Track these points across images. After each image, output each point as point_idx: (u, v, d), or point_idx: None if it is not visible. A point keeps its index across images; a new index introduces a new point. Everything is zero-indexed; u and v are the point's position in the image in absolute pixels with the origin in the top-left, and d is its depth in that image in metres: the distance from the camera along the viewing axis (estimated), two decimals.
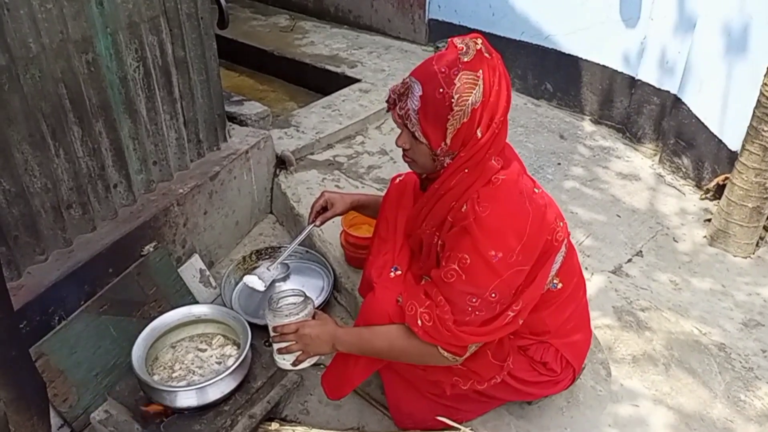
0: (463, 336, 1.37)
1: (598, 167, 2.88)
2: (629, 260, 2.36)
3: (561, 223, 1.48)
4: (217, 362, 1.73)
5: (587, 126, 3.21)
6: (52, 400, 1.69)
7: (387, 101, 1.43)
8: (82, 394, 1.75)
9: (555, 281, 1.53)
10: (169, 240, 2.11)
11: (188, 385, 1.64)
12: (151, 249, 2.01)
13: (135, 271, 1.95)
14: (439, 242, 1.46)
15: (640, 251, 2.41)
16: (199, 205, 2.21)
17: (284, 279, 2.12)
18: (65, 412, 1.71)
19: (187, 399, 1.57)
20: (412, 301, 1.43)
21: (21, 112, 1.62)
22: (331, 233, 2.30)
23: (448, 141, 1.33)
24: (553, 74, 3.30)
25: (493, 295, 1.34)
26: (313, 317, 1.56)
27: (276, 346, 1.54)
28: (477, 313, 1.36)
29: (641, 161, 2.95)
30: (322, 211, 1.82)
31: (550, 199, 1.46)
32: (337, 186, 2.56)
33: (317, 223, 1.81)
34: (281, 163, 2.61)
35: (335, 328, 1.52)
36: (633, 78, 2.97)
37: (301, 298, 1.58)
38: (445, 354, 1.40)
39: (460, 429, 1.62)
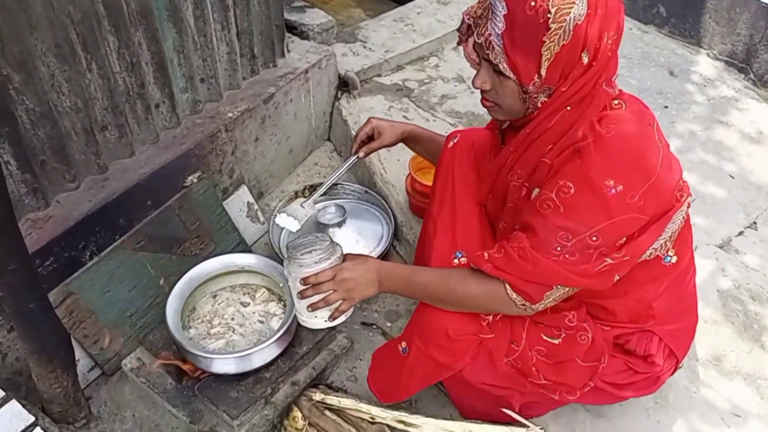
0: (541, 263, 1.07)
1: (713, 114, 2.45)
2: (740, 233, 2.01)
3: (682, 181, 1.18)
4: (259, 320, 1.55)
5: (703, 62, 2.72)
6: (81, 341, 1.55)
7: (458, 30, 1.13)
8: (114, 336, 1.61)
9: (670, 253, 1.23)
10: (215, 169, 1.88)
11: (227, 346, 1.48)
12: (195, 180, 1.79)
13: (176, 204, 1.75)
14: (530, 189, 1.17)
15: (755, 223, 2.05)
16: (250, 131, 1.96)
17: (339, 224, 1.88)
18: (96, 354, 1.58)
19: (225, 365, 1.40)
20: (481, 251, 1.18)
21: (45, 18, 1.36)
22: (395, 174, 2.03)
23: (543, 72, 1.04)
24: None
25: (594, 238, 1.06)
26: (345, 260, 1.31)
27: (305, 302, 1.28)
28: (566, 255, 1.08)
29: (766, 112, 2.49)
30: (368, 140, 1.56)
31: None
32: (405, 117, 2.25)
33: (361, 154, 1.55)
34: (344, 85, 2.31)
35: (379, 263, 1.27)
36: None
37: (327, 242, 1.32)
38: (513, 296, 1.12)
39: (528, 426, 1.41)
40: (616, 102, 1.10)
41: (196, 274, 1.54)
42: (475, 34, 1.07)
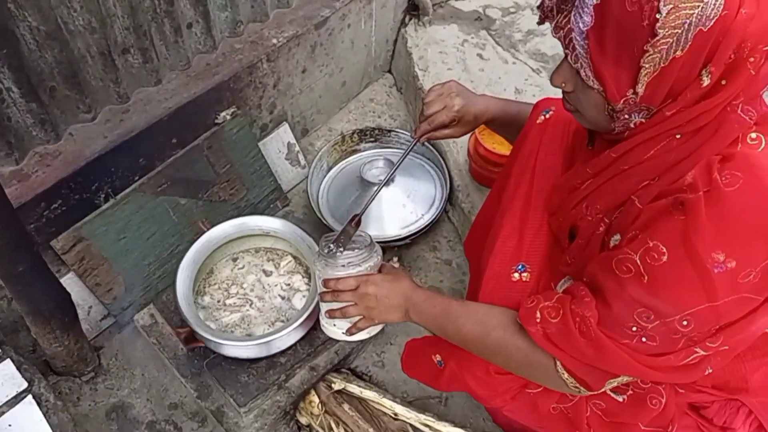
0: (608, 349, 0.83)
1: None
2: None
3: None
4: (281, 295, 1.37)
5: None
6: (93, 289, 1.43)
7: (539, 7, 0.83)
8: (129, 285, 1.48)
9: None
10: (252, 104, 1.65)
11: (242, 321, 1.32)
12: (228, 116, 1.57)
13: (205, 144, 1.54)
14: (610, 232, 0.90)
15: None
16: (297, 61, 1.69)
17: (386, 183, 1.64)
18: (109, 303, 1.46)
19: (237, 351, 1.24)
20: (535, 295, 0.94)
21: None
22: None
23: (641, 88, 0.76)
24: None
25: (685, 322, 0.80)
26: (379, 271, 1.11)
27: (325, 307, 1.11)
28: (643, 339, 0.83)
29: None
30: (439, 125, 1.22)
31: None
32: (479, 55, 1.91)
33: (424, 139, 1.24)
34: (413, 8, 1.97)
35: (411, 288, 1.05)
36: None
37: (366, 244, 1.11)
38: (565, 376, 0.90)
39: None
40: (753, 136, 0.77)
41: (215, 234, 1.36)
42: (553, 23, 0.77)
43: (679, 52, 0.71)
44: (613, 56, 0.75)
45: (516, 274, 1.01)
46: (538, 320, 0.87)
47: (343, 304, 1.06)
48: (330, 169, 1.79)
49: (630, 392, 0.98)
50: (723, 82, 0.74)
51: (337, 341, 1.27)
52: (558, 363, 0.88)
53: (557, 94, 1.06)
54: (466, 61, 1.88)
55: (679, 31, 0.70)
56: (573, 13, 0.75)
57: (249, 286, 1.37)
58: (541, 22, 0.86)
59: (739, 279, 0.75)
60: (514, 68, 1.88)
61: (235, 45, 1.60)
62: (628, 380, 0.89)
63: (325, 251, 1.10)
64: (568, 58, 0.80)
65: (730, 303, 0.77)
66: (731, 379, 1.02)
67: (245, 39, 1.61)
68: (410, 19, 1.98)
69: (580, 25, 0.75)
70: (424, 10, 1.95)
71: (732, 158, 0.76)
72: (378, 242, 1.57)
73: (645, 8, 0.70)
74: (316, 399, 1.36)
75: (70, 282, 1.40)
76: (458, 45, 1.93)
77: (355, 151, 1.82)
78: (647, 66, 0.74)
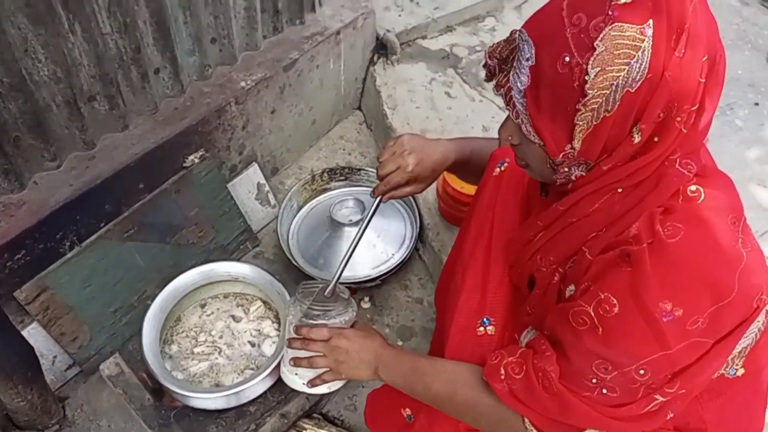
0: (570, 403, 0.85)
1: None
2: None
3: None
4: (250, 341, 1.36)
5: None
6: (58, 339, 1.40)
7: (484, 66, 0.85)
8: (95, 334, 1.45)
9: (736, 365, 0.97)
10: (221, 147, 1.65)
11: (210, 370, 1.31)
12: (197, 159, 1.56)
13: (173, 188, 1.54)
14: (565, 282, 0.92)
15: None
16: (266, 102, 1.70)
17: (356, 223, 1.65)
18: (74, 353, 1.43)
19: (205, 403, 1.23)
20: (499, 350, 0.94)
21: None
22: None
23: (578, 144, 0.79)
24: None
25: (642, 372, 0.82)
26: (352, 326, 1.11)
27: (290, 354, 1.10)
28: (604, 391, 0.84)
29: None
30: (395, 186, 1.18)
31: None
32: (447, 93, 1.94)
33: (384, 198, 1.20)
34: (381, 47, 2.00)
35: (383, 347, 1.06)
36: None
37: (344, 298, 1.12)
38: (533, 431, 0.91)
39: None
40: (693, 188, 0.80)
41: (180, 284, 1.35)
42: (495, 81, 0.81)
43: (608, 112, 0.74)
44: (550, 113, 0.78)
45: (481, 328, 1.02)
46: (502, 377, 0.88)
47: (311, 354, 1.05)
48: (300, 208, 1.79)
49: None
50: (655, 139, 0.77)
51: (296, 392, 1.22)
52: (526, 420, 0.88)
53: None
54: (434, 99, 1.91)
55: (608, 92, 0.73)
56: (512, 73, 0.78)
57: (218, 333, 1.36)
58: (488, 80, 0.88)
59: (688, 326, 0.77)
60: (481, 106, 1.91)
61: (204, 88, 1.60)
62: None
63: (302, 298, 1.09)
64: (510, 114, 0.82)
65: (683, 349, 0.79)
66: (691, 420, 1.04)
67: (213, 82, 1.62)
68: (378, 58, 2.01)
69: (518, 84, 0.78)
70: (392, 49, 1.98)
71: (673, 210, 0.78)
72: (349, 283, 1.59)
73: (575, 70, 0.73)
74: None
75: (34, 332, 1.38)
76: (426, 83, 1.96)
77: (325, 190, 1.83)
78: (581, 123, 0.76)
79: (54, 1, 1.20)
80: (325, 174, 1.81)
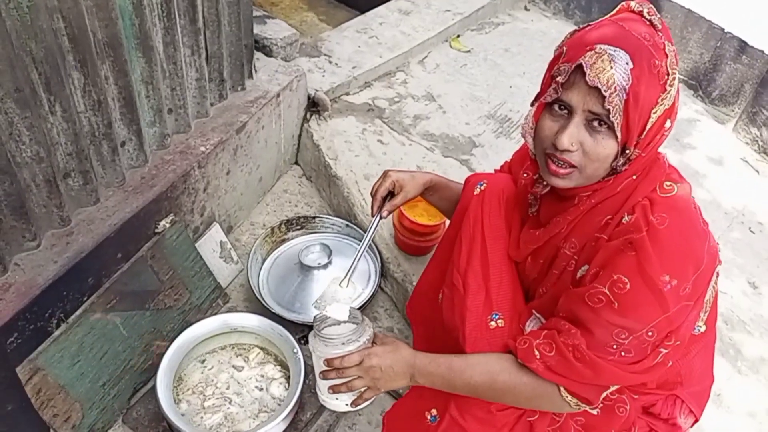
0: (600, 365, 1.02)
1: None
2: None
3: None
4: (257, 387, 1.42)
5: None
6: (50, 422, 1.37)
7: (554, 88, 1.00)
8: (87, 411, 1.43)
9: (699, 323, 1.23)
10: (186, 210, 1.71)
11: (226, 420, 1.35)
12: (167, 224, 1.62)
13: (148, 254, 1.57)
14: (578, 263, 1.12)
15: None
16: (222, 164, 1.80)
17: (325, 266, 1.77)
18: None
19: None
20: (523, 337, 1.12)
21: (4, 58, 1.15)
22: None
23: (645, 134, 1.00)
24: None
25: (650, 333, 1.03)
26: (373, 342, 1.22)
27: (326, 383, 1.19)
28: (623, 353, 1.04)
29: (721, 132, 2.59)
30: (387, 196, 1.44)
31: None
32: (380, 141, 2.15)
33: (384, 213, 1.42)
34: (313, 105, 2.17)
35: (412, 355, 1.18)
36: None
37: (358, 321, 1.21)
38: (568, 398, 1.08)
39: None
40: (668, 184, 1.05)
41: (186, 339, 1.39)
42: (589, 79, 0.95)
43: (668, 105, 0.97)
44: (640, 110, 0.96)
45: (492, 323, 1.20)
46: (537, 357, 1.06)
47: (348, 379, 1.16)
48: (264, 260, 1.88)
49: (601, 405, 1.19)
50: (667, 125, 1.01)
51: (337, 412, 1.31)
52: (562, 389, 1.06)
53: (463, 176, 1.33)
54: (370, 147, 2.11)
55: (672, 89, 0.97)
56: (615, 75, 0.94)
57: (224, 384, 1.41)
58: (533, 104, 1.07)
59: (680, 292, 1.01)
60: (411, 149, 2.13)
61: (165, 156, 1.67)
62: (613, 390, 1.10)
63: (320, 332, 1.18)
64: (608, 114, 0.95)
65: (677, 311, 1.02)
66: (669, 377, 1.28)
67: (173, 150, 1.69)
68: (311, 115, 2.17)
69: (623, 82, 0.94)
70: (323, 106, 2.16)
71: (655, 202, 1.02)
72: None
73: (661, 71, 0.95)
74: None
75: None
76: (359, 134, 2.15)
77: (284, 240, 1.93)
78: (654, 116, 0.97)
79: (37, 84, 1.26)
80: (283, 225, 1.92)
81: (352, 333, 1.16)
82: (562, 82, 0.98)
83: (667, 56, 0.97)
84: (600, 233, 1.07)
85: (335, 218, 1.96)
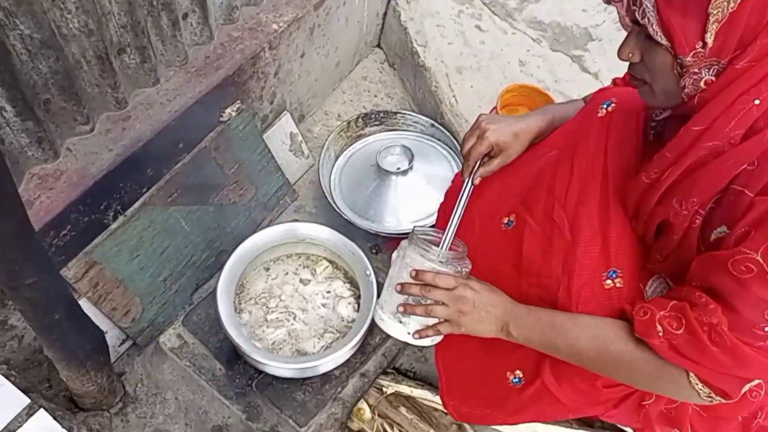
0: (745, 354, 0.80)
1: None
2: None
3: None
4: (323, 304, 1.30)
5: None
6: (109, 314, 1.31)
7: None
8: (146, 305, 1.37)
9: None
10: (254, 96, 1.53)
11: (289, 336, 1.25)
12: (233, 113, 1.44)
13: (212, 145, 1.42)
14: (710, 224, 0.85)
15: None
16: (297, 45, 1.57)
17: (405, 172, 1.58)
18: (127, 327, 1.35)
19: (291, 372, 1.18)
20: (644, 305, 0.89)
21: None
22: (468, 105, 1.69)
23: (710, 38, 0.74)
24: None
25: None
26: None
27: (398, 300, 1.00)
28: None
29: None
30: (477, 157, 1.12)
31: None
32: (478, 27, 1.84)
33: (476, 180, 1.11)
34: None
35: (512, 302, 0.99)
36: None
37: (461, 250, 1.03)
38: (698, 386, 0.86)
39: None
40: None
41: (247, 249, 1.26)
42: None
43: None
44: (681, 6, 0.73)
45: (609, 281, 0.97)
46: (660, 333, 0.84)
47: (429, 302, 0.98)
48: (337, 157, 1.70)
49: None
50: None
51: (395, 339, 1.08)
52: (691, 374, 0.85)
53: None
54: (465, 34, 1.81)
55: None
56: None
57: (288, 296, 1.30)
58: (608, 2, 0.83)
59: None
60: (514, 39, 1.82)
61: (233, 33, 1.46)
62: (759, 382, 0.89)
63: (419, 243, 1.00)
64: (637, 14, 0.76)
65: None
66: None
67: (242, 26, 1.48)
68: None
69: None
70: None
71: None
72: (400, 234, 1.53)
73: None
74: (365, 406, 1.32)
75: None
76: (454, 16, 1.85)
77: (360, 137, 1.73)
78: (714, 12, 0.71)
79: None
80: (360, 119, 1.71)
81: (454, 257, 0.98)
82: None
83: None
84: (743, 188, 0.80)
85: (419, 116, 1.73)
